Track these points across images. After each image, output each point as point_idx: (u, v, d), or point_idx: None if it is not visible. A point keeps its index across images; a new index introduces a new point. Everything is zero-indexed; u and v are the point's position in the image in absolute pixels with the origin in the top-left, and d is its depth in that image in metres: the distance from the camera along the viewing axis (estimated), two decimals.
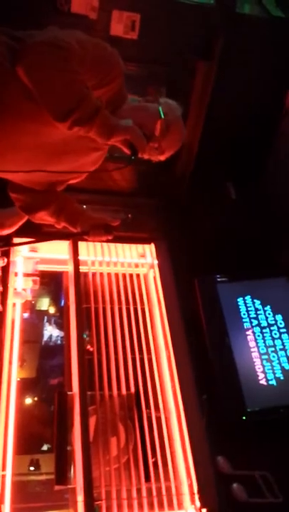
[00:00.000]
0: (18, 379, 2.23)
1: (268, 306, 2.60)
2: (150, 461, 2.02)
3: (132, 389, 2.22)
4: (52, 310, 2.53)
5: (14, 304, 2.35)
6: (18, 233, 2.19)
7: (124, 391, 2.21)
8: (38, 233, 2.16)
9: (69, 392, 2.12)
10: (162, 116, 1.57)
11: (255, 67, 2.95)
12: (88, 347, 2.30)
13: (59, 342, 2.42)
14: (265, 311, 2.58)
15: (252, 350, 2.43)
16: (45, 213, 1.84)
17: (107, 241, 1.90)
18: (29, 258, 2.48)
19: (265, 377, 2.34)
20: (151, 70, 2.84)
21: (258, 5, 2.99)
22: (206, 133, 2.95)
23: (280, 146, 3.10)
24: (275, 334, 2.50)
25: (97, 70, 1.45)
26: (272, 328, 2.52)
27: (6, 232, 2.15)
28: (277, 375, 2.36)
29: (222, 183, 3.08)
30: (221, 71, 2.83)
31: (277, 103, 3.06)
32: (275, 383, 2.33)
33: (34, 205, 1.84)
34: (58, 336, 2.44)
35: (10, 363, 2.16)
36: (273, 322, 2.54)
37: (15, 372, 2.18)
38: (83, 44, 1.42)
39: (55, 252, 2.55)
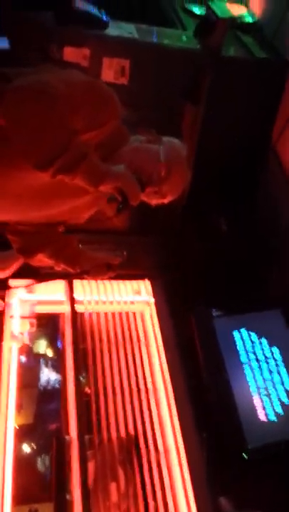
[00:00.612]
0: (16, 426, 2.19)
1: (264, 339, 2.59)
2: (151, 505, 1.98)
3: (131, 431, 2.19)
4: (49, 353, 2.50)
5: (11, 348, 2.34)
6: (15, 275, 2.20)
7: (123, 433, 2.18)
8: (36, 274, 2.17)
9: (67, 437, 2.09)
10: (162, 160, 1.50)
11: (242, 103, 3.06)
12: (86, 389, 2.28)
13: (57, 386, 2.38)
14: (261, 344, 2.57)
15: (250, 384, 2.41)
16: (43, 255, 1.80)
17: (109, 278, 1.89)
18: (26, 300, 2.47)
19: (265, 412, 2.32)
20: (141, 113, 2.92)
21: (243, 47, 3.10)
22: (197, 166, 3.01)
23: (268, 176, 3.18)
24: (273, 367, 2.49)
25: (88, 111, 1.39)
26: (269, 361, 2.51)
27: (2, 275, 2.16)
28: (277, 410, 2.33)
29: (213, 213, 3.13)
30: (208, 108, 2.92)
31: (264, 134, 3.16)
32: (275, 418, 2.30)
33: (32, 247, 1.80)
34: (55, 379, 2.41)
35: (6, 409, 2.12)
36: (270, 355, 2.54)
37: (12, 419, 2.13)
38: (73, 85, 1.38)
39: (51, 293, 2.55)
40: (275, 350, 2.58)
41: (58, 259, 1.80)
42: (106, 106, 1.44)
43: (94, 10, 2.58)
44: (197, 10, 3.20)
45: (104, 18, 2.63)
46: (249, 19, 3.28)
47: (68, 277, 2.34)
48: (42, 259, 1.82)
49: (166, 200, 1.60)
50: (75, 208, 1.69)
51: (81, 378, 2.25)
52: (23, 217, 1.70)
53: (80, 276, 1.94)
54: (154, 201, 1.60)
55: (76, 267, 1.81)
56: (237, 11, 3.29)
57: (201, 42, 2.92)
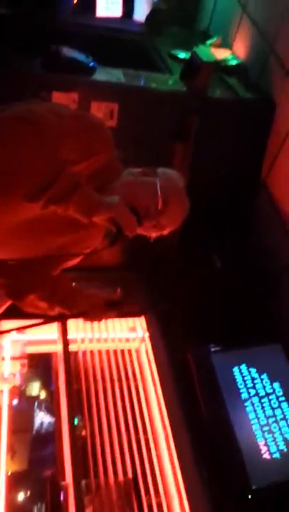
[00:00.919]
0: (9, 473, 2.10)
1: (265, 374, 2.52)
2: None
3: (130, 474, 2.10)
4: (43, 395, 2.43)
5: (2, 391, 2.26)
6: (6, 315, 2.14)
7: (121, 477, 2.09)
8: (28, 315, 2.10)
9: (62, 482, 2.00)
10: (158, 192, 1.46)
11: (230, 141, 3.12)
12: (81, 431, 2.20)
13: (51, 429, 2.30)
14: (262, 380, 2.50)
15: (252, 422, 2.33)
16: (35, 297, 1.67)
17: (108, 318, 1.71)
18: (17, 341, 2.42)
19: (268, 450, 2.22)
20: (130, 152, 2.97)
21: (229, 89, 3.20)
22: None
23: (260, 211, 3.21)
24: (274, 403, 2.41)
25: (79, 141, 1.38)
26: (270, 397, 2.43)
27: None
28: (280, 447, 2.24)
29: (206, 248, 3.13)
30: (197, 147, 2.98)
31: (254, 170, 3.22)
32: (279, 456, 2.21)
33: (22, 289, 1.67)
34: (49, 422, 2.33)
35: None
36: (271, 391, 2.46)
37: (3, 466, 2.04)
38: (62, 115, 1.37)
39: (43, 333, 2.50)
40: (277, 385, 2.50)
41: (53, 300, 1.68)
42: (96, 136, 1.43)
43: (81, 57, 2.67)
44: (182, 55, 3.31)
45: (92, 64, 2.72)
46: (233, 62, 3.39)
47: (64, 319, 2.21)
48: (34, 303, 1.69)
49: (165, 232, 1.55)
50: (72, 242, 1.62)
51: (76, 420, 2.18)
52: (15, 253, 1.60)
53: (77, 317, 1.83)
54: (154, 234, 1.55)
55: (72, 309, 1.66)
56: (221, 54, 3.41)
57: (187, 85, 3.01)
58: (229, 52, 3.52)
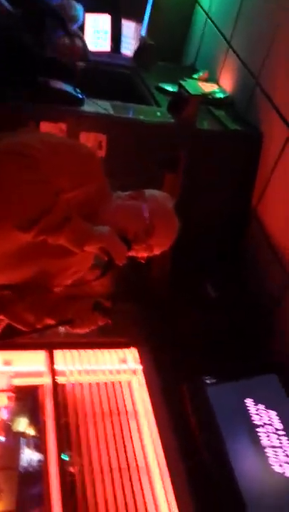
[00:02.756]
0: None
1: (263, 406, 2.44)
2: None
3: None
4: (31, 431, 2.31)
5: None
6: None
7: None
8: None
9: None
10: (145, 215, 1.46)
11: (219, 171, 3.14)
12: (70, 468, 2.09)
13: (39, 467, 2.18)
14: (257, 410, 2.42)
15: (250, 453, 2.23)
16: (21, 307, 1.59)
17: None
18: (3, 372, 2.33)
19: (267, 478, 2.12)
20: (121, 181, 2.97)
21: (216, 120, 3.24)
22: (180, 233, 3.03)
23: (250, 239, 3.20)
24: (272, 434, 2.32)
25: (70, 171, 1.40)
26: (267, 427, 2.35)
27: None
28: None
29: (200, 279, 3.09)
30: (187, 176, 2.98)
31: (244, 199, 3.24)
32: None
33: (6, 299, 1.58)
34: (38, 460, 2.21)
35: None
36: (269, 422, 2.37)
37: None
38: (54, 146, 1.40)
39: (30, 364, 2.42)
40: (273, 415, 2.42)
41: (40, 311, 1.59)
42: (88, 166, 1.45)
43: (69, 88, 2.71)
44: (170, 88, 3.37)
45: (80, 95, 2.75)
46: (220, 95, 3.46)
47: (48, 328, 1.98)
48: (21, 315, 1.59)
49: (157, 252, 1.54)
50: (67, 264, 1.59)
51: (65, 456, 2.07)
52: (9, 275, 1.56)
53: (63, 325, 1.60)
54: (144, 255, 1.54)
55: (60, 315, 1.57)
56: (208, 88, 3.48)
57: (174, 117, 3.05)
58: (216, 85, 3.60)
